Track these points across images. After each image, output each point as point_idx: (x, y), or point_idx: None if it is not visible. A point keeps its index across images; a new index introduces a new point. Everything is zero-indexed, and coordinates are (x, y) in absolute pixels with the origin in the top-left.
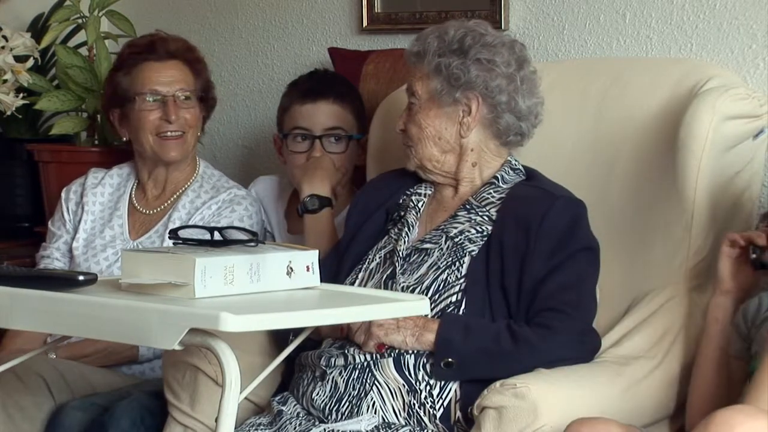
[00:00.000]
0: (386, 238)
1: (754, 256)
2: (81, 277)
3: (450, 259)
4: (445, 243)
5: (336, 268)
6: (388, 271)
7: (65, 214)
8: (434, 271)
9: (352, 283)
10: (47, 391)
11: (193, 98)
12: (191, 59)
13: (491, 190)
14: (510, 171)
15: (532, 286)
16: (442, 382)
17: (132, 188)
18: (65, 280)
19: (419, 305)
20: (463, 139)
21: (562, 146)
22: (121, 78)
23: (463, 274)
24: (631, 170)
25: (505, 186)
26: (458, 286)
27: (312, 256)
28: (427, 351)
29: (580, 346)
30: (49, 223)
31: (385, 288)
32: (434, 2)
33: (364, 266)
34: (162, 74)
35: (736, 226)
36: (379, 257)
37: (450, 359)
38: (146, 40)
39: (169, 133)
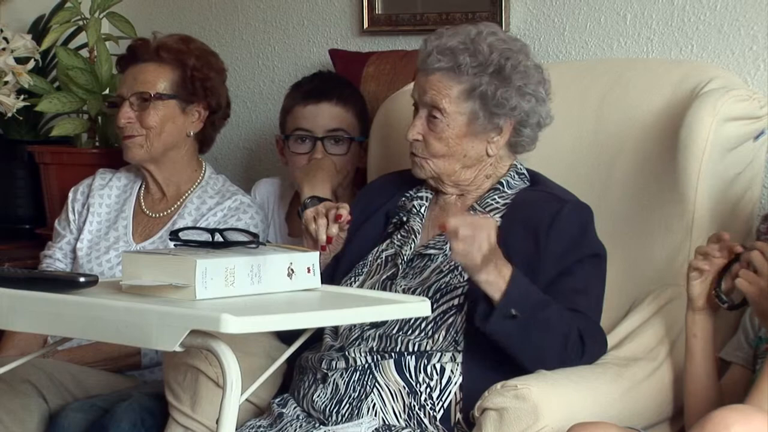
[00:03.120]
0: (388, 242)
1: (724, 301)
2: (82, 279)
3: (453, 263)
4: (450, 249)
5: (334, 270)
6: (388, 273)
7: (70, 214)
8: (437, 274)
9: (350, 284)
10: (36, 394)
11: (152, 99)
12: (166, 58)
13: (495, 196)
14: (515, 176)
15: (540, 288)
16: (443, 384)
17: (140, 190)
18: (66, 282)
19: (420, 306)
20: (489, 156)
21: (562, 147)
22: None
23: (466, 278)
24: (632, 171)
25: (510, 192)
26: (461, 289)
27: (313, 258)
28: (480, 291)
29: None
30: (56, 221)
31: (383, 289)
32: (435, 4)
33: (365, 268)
34: (128, 79)
35: (736, 228)
36: (381, 260)
37: (514, 312)
38: (129, 46)
39: (126, 136)
